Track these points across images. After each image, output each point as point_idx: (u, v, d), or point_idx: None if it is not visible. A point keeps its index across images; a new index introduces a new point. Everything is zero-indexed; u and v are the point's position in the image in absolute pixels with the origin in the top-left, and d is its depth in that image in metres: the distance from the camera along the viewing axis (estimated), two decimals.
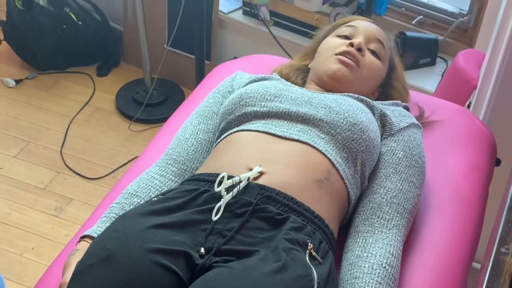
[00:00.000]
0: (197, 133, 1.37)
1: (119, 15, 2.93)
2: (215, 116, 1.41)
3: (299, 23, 2.55)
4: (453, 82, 2.00)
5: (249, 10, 2.63)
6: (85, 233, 1.19)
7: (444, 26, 2.53)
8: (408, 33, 2.42)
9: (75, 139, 2.61)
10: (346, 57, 1.38)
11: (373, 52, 1.42)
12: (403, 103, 1.46)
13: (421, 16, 2.56)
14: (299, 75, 1.50)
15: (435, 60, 2.50)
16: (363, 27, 1.44)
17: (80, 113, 2.72)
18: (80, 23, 2.83)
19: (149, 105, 2.72)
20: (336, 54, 1.38)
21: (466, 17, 2.46)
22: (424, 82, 2.41)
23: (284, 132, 1.25)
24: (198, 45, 2.42)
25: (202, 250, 1.07)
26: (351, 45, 1.38)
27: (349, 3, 2.54)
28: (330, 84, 1.38)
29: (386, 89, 1.48)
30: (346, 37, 1.43)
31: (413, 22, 2.55)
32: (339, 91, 1.38)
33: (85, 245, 1.15)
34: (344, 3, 2.53)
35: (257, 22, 2.62)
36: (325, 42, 1.45)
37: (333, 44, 1.42)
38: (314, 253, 1.09)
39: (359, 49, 1.39)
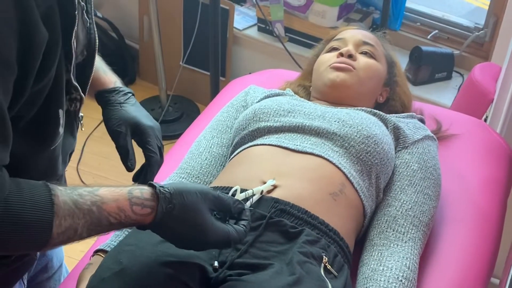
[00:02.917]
0: (211, 147, 1.37)
1: (135, 33, 2.96)
2: (229, 130, 1.41)
3: (314, 39, 2.54)
4: (470, 96, 1.98)
5: (264, 26, 2.64)
6: (99, 247, 1.19)
7: (459, 41, 2.52)
8: (424, 48, 2.42)
9: (91, 155, 2.62)
10: (339, 64, 1.39)
11: (365, 53, 1.43)
12: (418, 115, 1.45)
13: (437, 31, 2.55)
14: (304, 91, 1.52)
15: (451, 74, 2.48)
16: (349, 36, 1.47)
17: (97, 130, 2.73)
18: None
19: (165, 121, 2.73)
20: (330, 65, 1.40)
21: (482, 31, 2.45)
22: (440, 96, 2.40)
23: (297, 145, 1.25)
24: (213, 62, 2.43)
25: (216, 263, 1.06)
26: (341, 54, 1.41)
27: (363, 19, 2.54)
28: (332, 94, 1.39)
29: (393, 86, 1.48)
30: (336, 49, 1.45)
31: (429, 37, 2.55)
32: (345, 100, 1.38)
33: (98, 259, 1.14)
34: (359, 19, 2.53)
35: (272, 39, 2.63)
36: (318, 60, 1.48)
37: (325, 59, 1.45)
38: (329, 267, 1.07)
39: (350, 56, 1.41)
